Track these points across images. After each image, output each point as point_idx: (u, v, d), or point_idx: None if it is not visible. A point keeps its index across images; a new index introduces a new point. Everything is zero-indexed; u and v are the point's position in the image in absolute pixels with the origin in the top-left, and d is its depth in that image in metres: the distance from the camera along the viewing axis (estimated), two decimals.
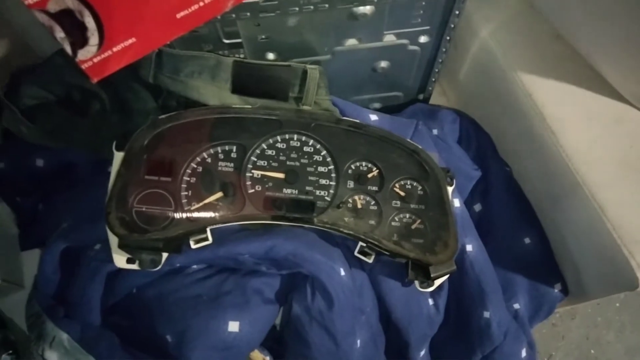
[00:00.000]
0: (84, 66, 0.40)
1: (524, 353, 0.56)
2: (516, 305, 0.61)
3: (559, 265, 0.62)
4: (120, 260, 0.47)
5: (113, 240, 0.46)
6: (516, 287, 0.61)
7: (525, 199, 0.65)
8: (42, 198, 0.65)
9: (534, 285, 0.62)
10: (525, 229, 0.63)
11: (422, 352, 0.57)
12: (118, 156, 0.48)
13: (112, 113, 0.60)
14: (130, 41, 0.41)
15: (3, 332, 0.51)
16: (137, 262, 0.47)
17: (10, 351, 0.50)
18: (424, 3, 0.53)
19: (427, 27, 0.57)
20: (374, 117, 0.59)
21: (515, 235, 0.63)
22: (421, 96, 0.71)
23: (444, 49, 0.61)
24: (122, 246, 0.45)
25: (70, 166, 0.63)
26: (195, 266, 0.51)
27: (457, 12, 0.55)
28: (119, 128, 0.59)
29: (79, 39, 0.38)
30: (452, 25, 0.57)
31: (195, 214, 0.47)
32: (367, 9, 0.51)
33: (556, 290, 0.62)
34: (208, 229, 0.47)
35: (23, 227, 0.65)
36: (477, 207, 0.66)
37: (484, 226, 0.63)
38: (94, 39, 0.38)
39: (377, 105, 0.71)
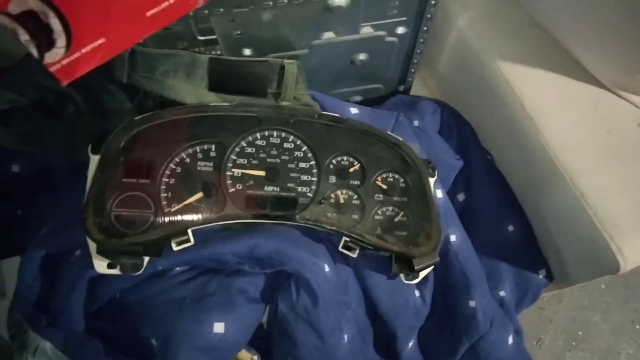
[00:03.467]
0: (52, 69, 0.39)
1: (510, 340, 0.57)
2: (502, 293, 0.61)
3: (543, 252, 0.63)
4: (100, 265, 0.47)
5: (92, 245, 0.46)
6: (501, 274, 0.62)
7: (507, 187, 0.65)
8: (21, 203, 0.64)
9: (519, 272, 0.62)
10: (508, 217, 0.63)
11: (410, 343, 0.57)
12: (94, 159, 0.47)
13: (87, 115, 0.59)
14: (99, 42, 0.40)
15: None
16: (118, 266, 0.46)
17: None
18: None
19: (404, 18, 0.57)
20: (354, 110, 0.59)
21: (498, 223, 0.63)
22: (401, 87, 0.71)
23: (421, 40, 0.60)
24: (101, 252, 0.44)
25: (47, 170, 0.62)
26: (178, 268, 0.50)
27: (433, 2, 0.55)
28: (95, 130, 0.58)
29: (45, 41, 0.37)
30: (429, 15, 0.56)
31: (176, 216, 0.46)
32: (342, 1, 0.51)
33: (541, 276, 0.62)
34: (189, 231, 0.47)
35: (2, 234, 0.64)
36: (461, 197, 0.66)
37: (467, 215, 0.63)
38: (60, 40, 0.37)
39: (357, 98, 0.71)
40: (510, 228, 0.63)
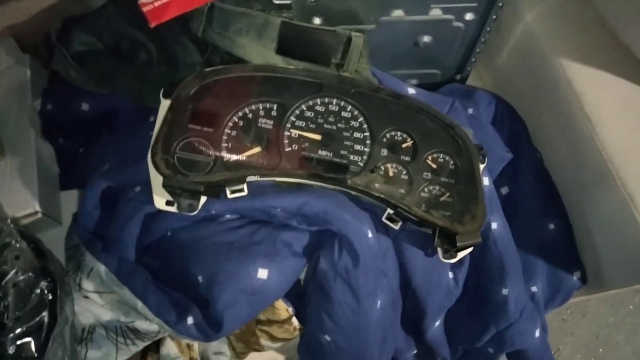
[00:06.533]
0: (145, 9, 0.42)
1: (537, 333, 0.58)
2: (534, 288, 0.62)
3: (581, 254, 0.63)
4: (160, 201, 0.49)
5: (155, 181, 0.48)
6: (535, 270, 0.62)
7: (553, 186, 0.65)
8: (84, 142, 0.68)
9: (554, 270, 0.62)
10: (550, 215, 0.63)
11: (437, 323, 0.58)
12: (165, 103, 0.50)
13: (158, 64, 0.62)
14: None
15: (43, 261, 0.54)
16: (175, 205, 0.49)
17: (49, 279, 0.53)
18: None
19: (475, 4, 0.57)
20: (411, 90, 0.60)
21: (540, 220, 0.63)
22: (458, 76, 0.71)
23: (488, 29, 0.61)
24: (165, 186, 0.47)
25: (113, 112, 0.65)
26: (229, 215, 0.53)
27: None
28: (164, 79, 0.61)
29: None
30: (501, 4, 0.57)
31: (234, 165, 0.48)
32: None
33: (575, 278, 0.62)
34: (246, 180, 0.49)
35: (63, 168, 0.68)
36: (504, 190, 0.66)
37: (509, 209, 0.63)
38: None
39: (413, 81, 0.72)
40: (551, 226, 0.63)
